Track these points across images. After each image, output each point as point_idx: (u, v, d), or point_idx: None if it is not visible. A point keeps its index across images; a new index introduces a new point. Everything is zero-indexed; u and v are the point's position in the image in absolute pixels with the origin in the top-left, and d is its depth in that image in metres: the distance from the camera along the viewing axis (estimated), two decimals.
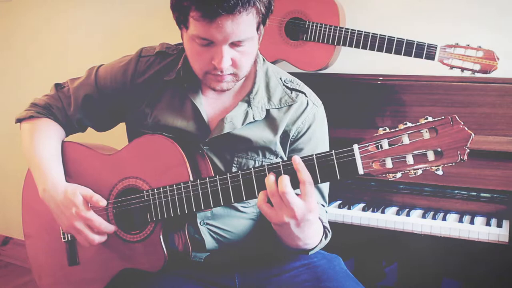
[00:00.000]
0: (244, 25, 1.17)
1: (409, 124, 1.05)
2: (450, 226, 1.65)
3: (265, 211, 1.15)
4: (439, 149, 1.03)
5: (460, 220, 1.68)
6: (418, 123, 1.04)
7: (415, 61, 1.83)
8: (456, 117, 1.02)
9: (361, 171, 1.08)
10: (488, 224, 1.64)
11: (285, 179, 1.11)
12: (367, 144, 1.08)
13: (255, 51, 1.30)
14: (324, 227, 1.33)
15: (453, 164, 1.02)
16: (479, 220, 1.69)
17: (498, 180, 1.72)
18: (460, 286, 1.95)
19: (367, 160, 1.07)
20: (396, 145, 1.06)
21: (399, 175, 1.06)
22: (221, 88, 1.28)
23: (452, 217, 1.73)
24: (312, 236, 1.24)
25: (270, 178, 1.13)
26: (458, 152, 1.01)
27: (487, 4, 1.99)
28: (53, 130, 1.45)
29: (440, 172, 1.04)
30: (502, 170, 1.72)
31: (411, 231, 1.69)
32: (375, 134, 1.08)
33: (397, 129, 1.06)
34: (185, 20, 1.20)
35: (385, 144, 1.06)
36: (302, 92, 1.39)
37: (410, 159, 1.05)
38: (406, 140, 1.05)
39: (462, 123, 1.02)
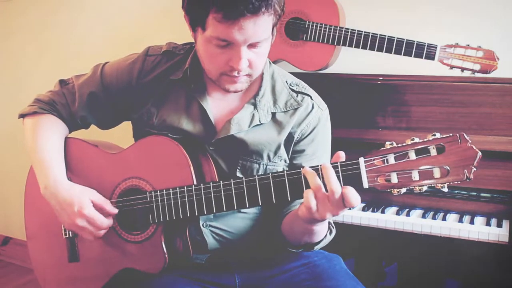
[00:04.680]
0: (264, 26, 1.17)
1: (416, 140, 1.04)
2: (450, 226, 1.65)
3: (313, 207, 1.11)
4: (445, 167, 1.02)
5: (460, 220, 1.68)
6: (425, 139, 1.03)
7: (415, 61, 1.83)
8: (464, 135, 1.01)
9: (366, 185, 1.07)
10: (488, 224, 1.64)
11: (334, 177, 1.08)
12: (373, 158, 1.06)
13: (268, 52, 1.30)
14: (329, 222, 1.33)
15: (459, 182, 1.01)
16: (479, 220, 1.69)
17: (498, 180, 1.72)
18: (460, 286, 1.95)
19: (372, 174, 1.06)
20: (402, 161, 1.04)
21: (404, 190, 1.05)
22: (235, 89, 1.28)
23: (452, 217, 1.73)
24: (325, 229, 1.26)
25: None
26: (465, 170, 1.01)
27: (487, 4, 1.99)
28: (56, 127, 1.44)
29: (445, 189, 1.03)
30: (502, 170, 1.72)
31: (411, 231, 1.69)
32: (381, 148, 1.07)
33: (404, 144, 1.05)
34: (203, 21, 1.19)
35: (391, 159, 1.05)
36: (308, 95, 1.40)
37: (415, 175, 1.04)
38: (412, 155, 1.04)
39: (470, 141, 1.01)
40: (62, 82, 1.50)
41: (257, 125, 1.34)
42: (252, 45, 1.20)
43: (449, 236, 1.65)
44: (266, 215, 1.41)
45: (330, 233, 1.33)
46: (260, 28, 1.17)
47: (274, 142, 1.35)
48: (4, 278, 2.98)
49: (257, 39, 1.19)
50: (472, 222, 1.67)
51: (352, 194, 1.06)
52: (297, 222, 1.21)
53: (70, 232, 1.42)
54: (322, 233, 1.27)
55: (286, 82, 1.41)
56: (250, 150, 1.34)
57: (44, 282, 1.49)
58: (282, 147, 1.36)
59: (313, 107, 1.39)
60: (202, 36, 1.22)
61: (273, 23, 1.21)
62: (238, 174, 1.35)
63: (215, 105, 1.37)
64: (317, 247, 1.32)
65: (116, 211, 1.34)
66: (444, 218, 1.71)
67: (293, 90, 1.39)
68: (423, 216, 1.73)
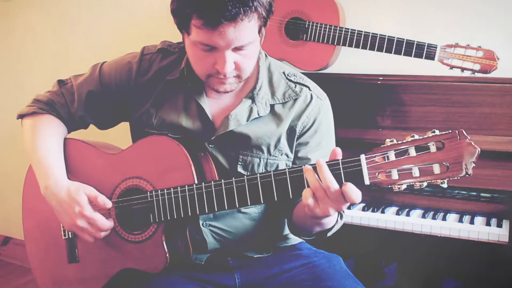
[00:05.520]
0: (246, 30, 1.17)
1: (416, 137, 1.05)
2: (450, 226, 1.65)
3: (310, 204, 1.12)
4: (445, 163, 1.03)
5: (460, 220, 1.68)
6: (425, 136, 1.05)
7: (415, 61, 1.83)
8: (463, 131, 1.02)
9: (367, 181, 1.08)
10: (488, 224, 1.65)
11: (328, 173, 1.09)
12: (374, 155, 1.08)
13: (257, 53, 1.30)
14: None
15: (458, 177, 1.03)
16: (479, 220, 1.69)
17: (498, 180, 1.72)
18: (460, 286, 1.95)
19: (373, 171, 1.08)
20: (403, 157, 1.06)
21: (404, 186, 1.07)
22: (224, 90, 1.28)
23: (452, 217, 1.73)
24: (334, 217, 1.26)
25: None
26: (464, 166, 1.02)
27: (487, 4, 1.99)
28: (55, 127, 1.44)
29: (445, 185, 1.04)
30: (502, 170, 1.72)
31: (411, 231, 1.69)
32: (382, 145, 1.08)
33: (404, 141, 1.06)
34: (187, 26, 1.20)
35: (392, 155, 1.07)
36: (306, 86, 1.39)
37: (416, 172, 1.05)
38: (412, 152, 1.05)
39: (469, 138, 1.02)
40: (60, 82, 1.50)
41: (256, 118, 1.34)
42: (237, 48, 1.21)
43: (449, 236, 1.65)
44: (266, 214, 1.41)
45: (341, 217, 1.33)
46: (242, 33, 1.17)
47: (273, 135, 1.35)
48: (4, 278, 2.98)
49: (240, 43, 1.19)
50: (472, 222, 1.67)
51: (352, 191, 1.07)
52: (306, 216, 1.21)
53: (70, 233, 1.42)
54: (332, 221, 1.27)
55: (284, 73, 1.41)
56: (250, 144, 1.34)
57: (43, 283, 1.49)
58: (283, 141, 1.36)
59: (311, 98, 1.38)
60: (188, 39, 1.23)
61: (258, 25, 1.21)
62: (239, 169, 1.35)
63: (213, 103, 1.37)
64: (329, 233, 1.32)
65: (110, 204, 1.33)
66: (444, 218, 1.71)
67: (290, 80, 1.39)
68: (423, 216, 1.73)
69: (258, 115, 1.34)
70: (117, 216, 1.35)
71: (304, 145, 1.38)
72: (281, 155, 1.37)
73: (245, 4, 1.13)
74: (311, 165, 1.12)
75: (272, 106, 1.36)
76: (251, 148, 1.35)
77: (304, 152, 1.38)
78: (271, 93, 1.37)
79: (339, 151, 1.12)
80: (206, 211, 1.24)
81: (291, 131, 1.37)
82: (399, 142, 1.06)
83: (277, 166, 1.37)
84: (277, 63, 1.44)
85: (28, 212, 1.51)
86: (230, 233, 1.37)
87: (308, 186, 1.11)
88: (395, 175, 1.07)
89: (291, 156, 1.39)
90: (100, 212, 1.32)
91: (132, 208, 1.34)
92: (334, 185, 1.07)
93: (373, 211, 1.78)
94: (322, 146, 1.39)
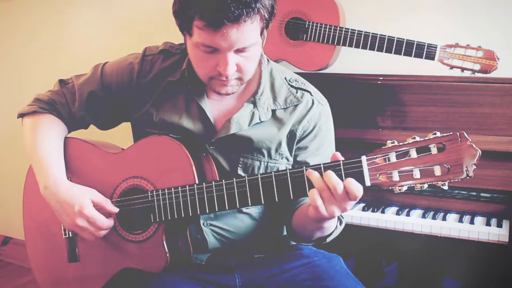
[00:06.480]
0: (248, 32, 1.17)
1: (417, 139, 1.05)
2: (450, 226, 1.65)
3: (319, 206, 1.12)
4: (445, 165, 1.03)
5: (460, 220, 1.68)
6: (426, 138, 1.05)
7: (415, 61, 1.83)
8: (465, 133, 1.03)
9: (368, 183, 1.09)
10: (488, 224, 1.65)
11: (333, 175, 1.09)
12: (375, 156, 1.08)
13: (259, 55, 1.30)
14: None
15: (459, 179, 1.03)
16: (479, 220, 1.69)
17: (498, 180, 1.72)
18: (460, 286, 1.95)
19: (374, 172, 1.08)
20: (403, 159, 1.06)
21: (405, 188, 1.07)
22: (226, 92, 1.28)
23: (452, 217, 1.73)
24: (335, 221, 1.27)
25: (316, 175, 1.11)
26: (465, 168, 1.02)
27: (487, 4, 1.99)
28: (55, 126, 1.44)
29: (445, 187, 1.05)
30: (502, 170, 1.73)
31: (411, 231, 1.70)
32: (383, 147, 1.08)
33: (405, 142, 1.06)
34: (189, 27, 1.20)
35: (393, 157, 1.07)
36: (307, 91, 1.40)
37: (417, 173, 1.06)
38: (413, 154, 1.06)
39: (470, 140, 1.02)
40: (61, 82, 1.50)
41: (257, 123, 1.34)
42: (239, 50, 1.21)
43: (449, 236, 1.65)
44: (267, 214, 1.41)
45: (340, 223, 1.33)
46: (244, 35, 1.17)
47: (274, 139, 1.35)
48: (4, 278, 2.98)
49: (242, 44, 1.19)
50: (472, 222, 1.67)
51: (353, 185, 1.07)
52: (308, 221, 1.22)
53: (70, 232, 1.42)
54: (333, 226, 1.28)
55: (285, 78, 1.41)
56: (251, 147, 1.35)
57: (43, 283, 1.49)
58: (284, 144, 1.36)
59: (313, 103, 1.39)
60: (190, 41, 1.23)
61: (260, 27, 1.21)
62: (240, 172, 1.35)
63: (214, 105, 1.37)
64: (329, 239, 1.32)
65: (116, 210, 1.34)
66: (444, 218, 1.71)
67: (292, 86, 1.40)
68: (423, 216, 1.73)
69: (260, 120, 1.34)
70: (118, 215, 1.35)
71: (303, 149, 1.39)
72: (282, 158, 1.37)
73: (248, 5, 1.13)
74: (312, 166, 1.12)
75: (273, 111, 1.36)
76: (252, 151, 1.35)
77: (303, 156, 1.38)
78: (272, 98, 1.37)
79: (339, 155, 1.12)
80: (207, 211, 1.24)
81: (291, 135, 1.37)
82: (400, 143, 1.07)
83: (277, 170, 1.37)
84: (279, 68, 1.44)
85: (28, 212, 1.51)
86: (231, 233, 1.37)
87: (310, 187, 1.12)
88: (396, 176, 1.07)
89: (291, 159, 1.39)
90: (100, 212, 1.32)
91: (133, 208, 1.34)
92: (340, 184, 1.08)
93: (373, 211, 1.79)
94: (322, 151, 1.40)
